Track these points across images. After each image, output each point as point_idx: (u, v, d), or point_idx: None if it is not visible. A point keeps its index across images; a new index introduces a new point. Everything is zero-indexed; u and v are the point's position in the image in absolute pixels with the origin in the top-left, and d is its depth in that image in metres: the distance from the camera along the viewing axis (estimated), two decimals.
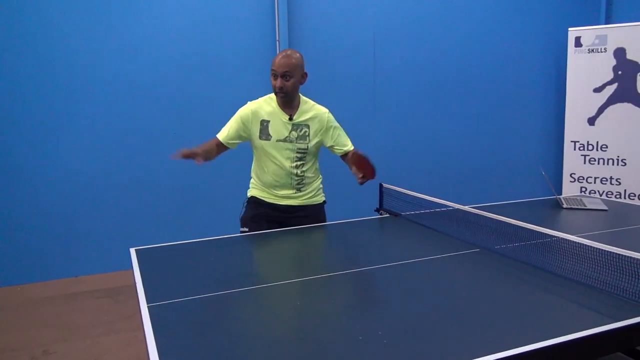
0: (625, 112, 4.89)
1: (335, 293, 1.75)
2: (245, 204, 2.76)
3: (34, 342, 3.12)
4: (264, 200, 2.67)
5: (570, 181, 5.17)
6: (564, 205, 2.98)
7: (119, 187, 4.11)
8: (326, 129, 2.63)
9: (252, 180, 2.77)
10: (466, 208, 2.56)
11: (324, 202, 2.82)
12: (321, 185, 2.80)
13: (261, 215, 2.67)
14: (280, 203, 2.66)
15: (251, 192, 2.74)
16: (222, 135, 2.59)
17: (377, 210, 2.96)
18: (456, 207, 2.62)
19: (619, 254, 1.69)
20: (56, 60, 3.87)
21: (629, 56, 4.82)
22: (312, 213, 2.73)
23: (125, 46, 4.02)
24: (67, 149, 3.96)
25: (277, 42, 4.38)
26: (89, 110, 3.99)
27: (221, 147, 2.60)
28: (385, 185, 2.98)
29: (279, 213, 2.67)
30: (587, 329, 1.37)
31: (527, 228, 2.07)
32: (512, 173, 5.43)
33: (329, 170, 4.68)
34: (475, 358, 1.21)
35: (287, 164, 2.57)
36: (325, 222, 2.78)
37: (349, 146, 2.70)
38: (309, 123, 2.58)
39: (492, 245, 2.15)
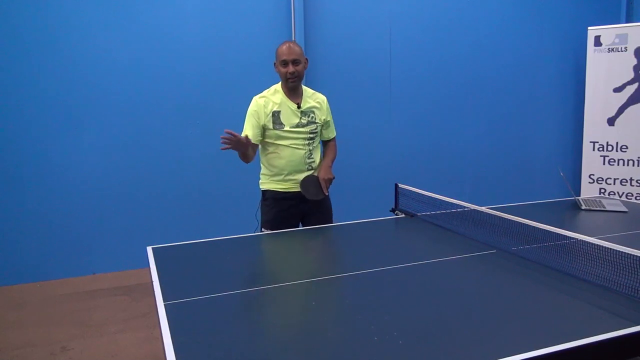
0: None
1: (350, 293, 1.74)
2: (262, 201, 2.85)
3: (53, 338, 3.16)
4: (279, 192, 2.78)
5: (589, 182, 5.10)
6: (583, 207, 2.94)
7: (137, 186, 4.16)
8: (326, 113, 2.87)
9: (262, 173, 2.88)
10: (483, 209, 2.54)
11: None
12: None
13: (280, 212, 2.77)
14: (294, 190, 2.77)
15: (265, 186, 2.85)
16: (244, 134, 2.70)
17: (393, 211, 2.95)
18: (472, 208, 2.59)
19: (639, 257, 1.66)
20: (64, 59, 3.92)
21: None
22: (323, 202, 2.85)
23: (142, 43, 4.06)
24: (88, 148, 4.01)
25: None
26: (108, 109, 4.04)
27: (253, 146, 2.73)
28: (400, 185, 2.96)
29: (293, 202, 2.78)
30: (608, 332, 1.35)
31: (544, 229, 2.04)
32: (530, 174, 5.38)
33: (345, 171, 4.68)
34: None
35: (301, 147, 2.75)
36: (330, 209, 2.92)
37: (334, 133, 2.99)
38: (314, 108, 2.80)
39: (509, 247, 2.13)
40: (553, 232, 2.00)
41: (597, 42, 4.93)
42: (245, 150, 2.61)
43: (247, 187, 4.44)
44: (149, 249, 2.23)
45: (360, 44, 4.62)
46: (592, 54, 4.97)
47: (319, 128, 2.82)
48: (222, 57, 4.27)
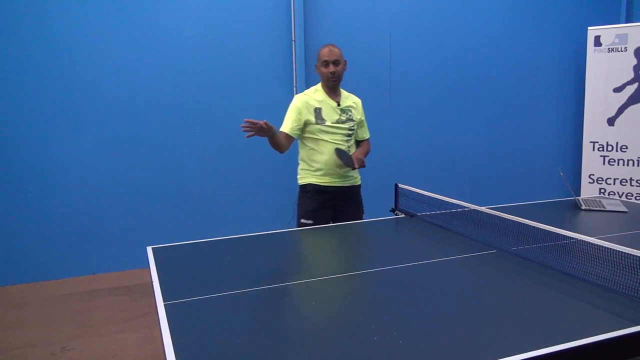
0: None
1: (350, 293, 1.74)
2: (302, 194, 3.00)
3: (53, 338, 3.16)
4: (320, 186, 2.94)
5: (589, 182, 5.10)
6: (583, 207, 2.94)
7: (136, 186, 4.16)
8: (361, 114, 3.08)
9: (302, 169, 3.02)
10: (483, 209, 2.54)
11: (360, 184, 3.12)
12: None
13: (321, 204, 2.93)
14: (336, 185, 2.95)
15: (306, 180, 2.98)
16: (286, 128, 2.88)
17: (393, 211, 2.95)
18: (472, 208, 2.59)
19: (639, 257, 1.66)
20: (63, 58, 3.93)
21: None
22: (356, 198, 3.07)
23: (141, 43, 4.06)
24: (88, 148, 4.02)
25: (293, 42, 4.39)
26: (108, 109, 4.04)
27: (289, 138, 2.87)
28: (400, 185, 2.96)
29: (330, 197, 2.95)
30: (607, 332, 1.35)
31: (544, 229, 2.04)
32: (530, 173, 5.38)
33: None
34: None
35: (342, 143, 2.93)
36: (362, 207, 3.11)
37: (368, 135, 3.17)
38: (351, 107, 3.00)
39: (509, 247, 2.13)
40: (553, 232, 2.00)
41: (597, 42, 4.93)
42: (270, 136, 2.69)
43: (248, 186, 4.47)
44: (149, 249, 2.23)
45: (360, 44, 4.62)
46: (592, 54, 4.97)
47: (355, 126, 3.00)
48: (222, 57, 4.27)
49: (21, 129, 3.87)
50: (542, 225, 2.06)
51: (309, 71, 4.46)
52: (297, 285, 1.79)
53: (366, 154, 3.09)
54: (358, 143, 3.13)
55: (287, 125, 2.87)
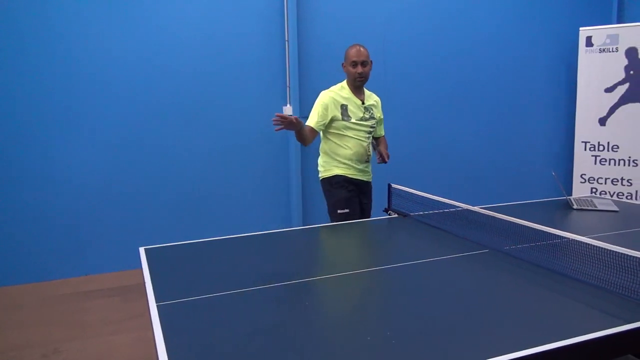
0: (636, 113, 4.85)
1: (343, 293, 1.75)
2: (329, 185, 3.09)
3: (46, 339, 3.15)
4: (347, 177, 3.07)
5: (581, 182, 5.13)
6: (575, 206, 2.96)
7: (130, 186, 4.14)
8: (381, 112, 3.23)
9: (325, 161, 3.13)
10: (475, 209, 2.55)
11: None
12: None
13: (350, 192, 3.05)
14: (358, 178, 3.11)
15: (332, 172, 3.09)
16: (312, 122, 2.99)
17: (386, 211, 2.96)
18: (465, 208, 2.61)
19: (630, 256, 1.68)
20: (60, 59, 3.90)
21: None
22: (369, 193, 3.23)
23: (134, 43, 4.04)
24: (81, 149, 4.00)
25: (286, 42, 4.39)
26: (102, 110, 4.02)
27: (313, 132, 3.00)
28: (393, 185, 2.97)
29: (355, 188, 3.09)
30: (598, 330, 1.36)
31: (537, 229, 2.05)
32: (522, 173, 5.40)
33: None
34: None
35: (364, 139, 3.08)
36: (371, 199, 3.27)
37: (383, 132, 3.35)
38: (373, 105, 3.14)
39: (502, 246, 2.14)
40: (545, 232, 2.01)
41: (589, 42, 4.97)
42: (298, 130, 2.82)
43: (242, 187, 4.46)
44: (142, 250, 2.23)
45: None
46: (583, 54, 5.00)
47: (376, 124, 3.16)
48: (216, 57, 4.26)
49: (13, 130, 3.85)
50: (535, 224, 2.07)
51: (302, 71, 4.47)
52: (290, 286, 1.79)
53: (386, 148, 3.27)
54: (376, 139, 3.29)
55: (314, 120, 2.98)
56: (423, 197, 2.82)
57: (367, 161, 3.14)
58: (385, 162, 3.14)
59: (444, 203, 2.67)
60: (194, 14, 4.16)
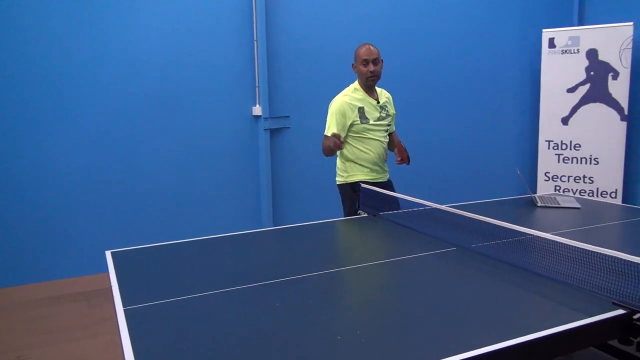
0: (597, 112, 4.99)
1: (313, 293, 1.75)
2: (351, 191, 3.07)
3: (8, 347, 3.06)
4: (368, 182, 3.04)
5: (545, 180, 5.26)
6: (539, 204, 3.03)
7: (96, 188, 4.05)
8: (393, 108, 3.21)
9: (347, 166, 3.10)
10: (443, 207, 2.59)
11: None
12: None
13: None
14: (378, 180, 3.11)
15: (357, 177, 3.07)
16: (331, 132, 2.96)
17: (356, 211, 2.97)
18: (433, 207, 2.64)
19: (591, 251, 1.73)
20: (27, 60, 3.80)
21: (601, 57, 4.92)
22: (390, 188, 3.15)
23: (103, 47, 3.96)
24: (44, 150, 3.89)
25: (255, 42, 4.37)
26: (66, 111, 3.92)
27: None
28: (363, 185, 2.99)
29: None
30: (562, 324, 1.40)
31: (502, 226, 2.10)
32: (489, 172, 5.50)
33: (308, 173, 4.70)
34: (451, 356, 1.23)
35: (382, 139, 3.10)
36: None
37: (394, 128, 3.32)
38: (387, 103, 3.15)
39: (469, 244, 2.18)
40: (510, 229, 2.06)
41: (551, 44, 5.09)
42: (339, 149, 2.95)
43: (210, 188, 4.42)
44: (108, 253, 2.19)
45: (323, 45, 4.63)
46: (546, 55, 5.13)
47: (391, 121, 3.16)
48: (183, 56, 4.20)
49: None
50: (500, 222, 2.11)
51: (271, 71, 4.45)
52: (260, 287, 1.79)
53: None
54: (390, 135, 3.26)
55: (332, 129, 2.96)
56: (392, 196, 2.85)
57: (385, 160, 3.17)
58: (408, 164, 3.15)
59: (413, 202, 2.70)
60: (161, 14, 4.10)
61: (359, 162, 3.05)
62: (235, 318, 1.54)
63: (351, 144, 3.05)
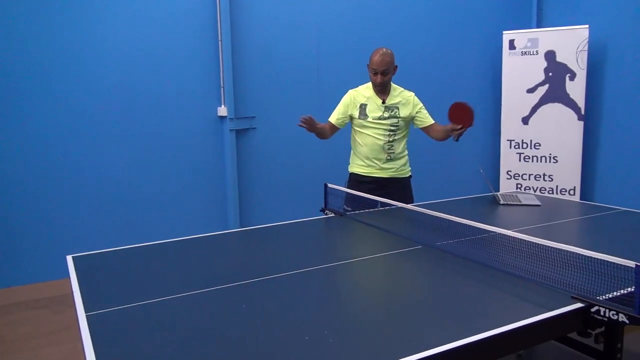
0: (556, 112, 5.15)
1: (280, 294, 1.74)
2: (350, 180, 3.31)
3: None
4: (362, 176, 3.23)
5: (507, 178, 5.39)
6: (501, 202, 3.10)
7: (55, 191, 3.94)
8: (413, 107, 3.25)
9: (351, 157, 3.35)
10: (408, 206, 2.63)
11: (410, 176, 3.38)
12: (407, 162, 3.35)
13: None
14: (374, 175, 3.20)
15: (353, 169, 3.31)
16: (332, 118, 3.24)
17: (322, 210, 2.98)
18: (399, 206, 2.68)
19: (550, 247, 1.78)
20: None
21: (559, 58, 5.08)
22: (399, 189, 3.24)
23: (63, 46, 3.85)
24: (1, 151, 3.76)
25: (220, 42, 4.33)
26: (21, 111, 3.80)
27: (334, 128, 3.24)
28: (330, 185, 3.00)
29: (373, 186, 3.16)
30: (523, 319, 1.44)
31: (466, 224, 2.14)
32: (453, 171, 5.59)
33: (275, 173, 4.68)
34: (416, 353, 1.25)
35: (381, 138, 3.16)
36: (412, 198, 3.34)
37: (430, 120, 3.33)
38: (399, 105, 3.20)
39: (434, 242, 2.21)
40: (474, 227, 2.10)
41: (512, 45, 5.22)
42: (317, 132, 3.10)
43: (174, 189, 4.36)
44: (69, 258, 2.13)
45: (288, 46, 4.63)
46: (507, 56, 5.25)
47: (400, 122, 3.19)
48: (146, 55, 4.13)
49: None
50: (464, 220, 2.15)
51: (236, 71, 4.41)
52: (226, 289, 1.77)
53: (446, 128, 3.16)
54: (434, 128, 3.30)
55: (334, 117, 3.23)
56: (358, 195, 2.87)
57: (388, 159, 3.19)
58: (464, 130, 3.09)
59: (378, 201, 2.73)
60: (124, 14, 4.02)
61: (357, 154, 3.27)
62: (201, 321, 1.52)
63: (354, 136, 3.28)
